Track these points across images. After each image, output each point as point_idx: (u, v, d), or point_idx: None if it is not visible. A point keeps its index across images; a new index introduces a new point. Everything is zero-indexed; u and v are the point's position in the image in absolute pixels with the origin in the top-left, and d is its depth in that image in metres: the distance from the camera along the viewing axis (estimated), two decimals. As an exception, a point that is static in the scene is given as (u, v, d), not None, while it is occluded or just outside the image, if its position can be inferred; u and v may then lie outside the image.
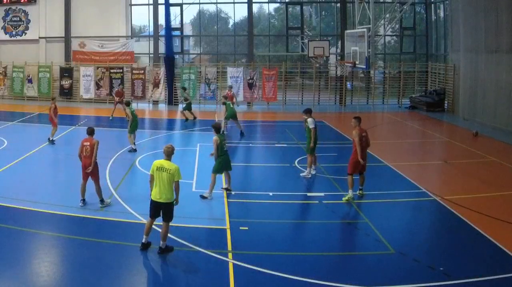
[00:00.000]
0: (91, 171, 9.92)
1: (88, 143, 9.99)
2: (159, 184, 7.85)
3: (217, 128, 11.02)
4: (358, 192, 10.93)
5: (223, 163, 10.87)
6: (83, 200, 10.10)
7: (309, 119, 12.40)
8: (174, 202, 7.98)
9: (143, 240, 8.05)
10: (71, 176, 12.59)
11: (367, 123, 21.62)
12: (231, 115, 17.78)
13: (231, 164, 11.26)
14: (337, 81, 27.29)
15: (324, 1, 30.73)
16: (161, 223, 8.02)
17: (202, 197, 10.67)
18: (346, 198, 10.59)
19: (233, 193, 11.09)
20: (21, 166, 13.29)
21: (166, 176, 7.82)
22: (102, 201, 10.11)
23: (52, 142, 15.89)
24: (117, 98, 21.55)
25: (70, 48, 27.55)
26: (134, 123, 15.22)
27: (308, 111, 12.70)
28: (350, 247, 8.51)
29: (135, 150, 14.92)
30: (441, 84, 25.84)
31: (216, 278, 7.28)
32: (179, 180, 7.93)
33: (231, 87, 21.72)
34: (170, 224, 8.03)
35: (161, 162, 7.97)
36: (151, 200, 7.98)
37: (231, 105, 18.13)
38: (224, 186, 11.24)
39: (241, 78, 25.79)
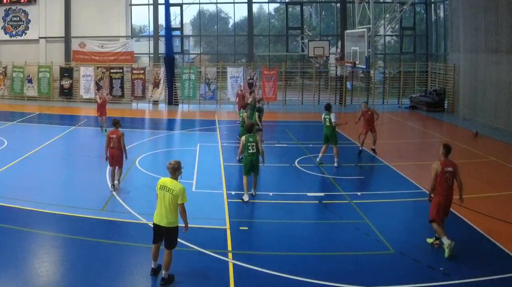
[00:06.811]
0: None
1: (115, 135, 11.03)
2: (160, 205, 6.96)
3: (249, 128, 11.08)
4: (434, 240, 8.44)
5: (247, 164, 10.69)
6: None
7: (332, 114, 13.51)
8: (184, 230, 7.09)
9: (152, 265, 7.27)
10: (71, 176, 12.66)
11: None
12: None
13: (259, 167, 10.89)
14: (337, 81, 27.30)
15: (324, 1, 30.73)
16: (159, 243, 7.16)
17: (243, 200, 10.51)
18: (447, 245, 7.84)
19: (233, 193, 11.08)
20: (21, 166, 13.28)
21: (169, 197, 6.86)
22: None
23: None
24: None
25: (70, 48, 27.56)
26: None
27: (327, 108, 13.83)
28: (350, 247, 8.49)
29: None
30: (441, 84, 25.84)
31: (216, 278, 7.27)
32: (184, 203, 6.93)
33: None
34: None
35: (165, 180, 7.01)
36: (153, 223, 7.15)
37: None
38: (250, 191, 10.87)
39: (241, 78, 25.80)
